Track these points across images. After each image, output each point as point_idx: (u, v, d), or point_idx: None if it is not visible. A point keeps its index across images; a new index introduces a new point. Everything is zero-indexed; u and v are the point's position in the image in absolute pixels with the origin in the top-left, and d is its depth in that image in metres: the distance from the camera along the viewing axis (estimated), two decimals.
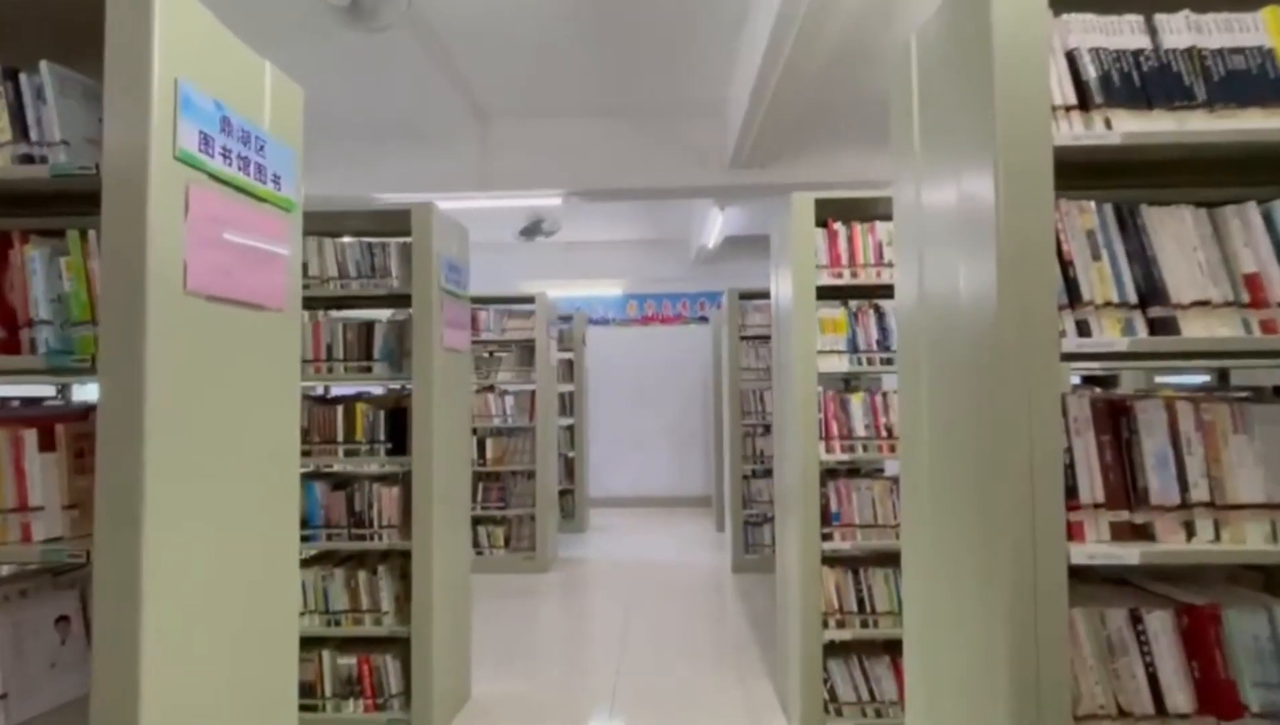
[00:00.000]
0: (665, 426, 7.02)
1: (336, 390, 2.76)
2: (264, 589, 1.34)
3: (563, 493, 5.83)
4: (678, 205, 5.74)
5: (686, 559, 4.89)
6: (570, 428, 5.86)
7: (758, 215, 5.28)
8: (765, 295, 4.63)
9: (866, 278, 2.36)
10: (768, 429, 4.79)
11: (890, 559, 2.37)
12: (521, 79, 3.33)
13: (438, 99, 3.49)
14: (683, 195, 3.89)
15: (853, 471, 2.53)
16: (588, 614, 3.83)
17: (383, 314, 2.68)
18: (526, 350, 4.72)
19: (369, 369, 2.46)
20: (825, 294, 2.36)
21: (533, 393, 4.65)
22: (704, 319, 7.05)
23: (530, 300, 4.68)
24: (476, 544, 4.61)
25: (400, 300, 2.45)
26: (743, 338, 4.55)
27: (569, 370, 5.91)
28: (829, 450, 2.32)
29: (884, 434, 2.33)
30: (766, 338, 4.67)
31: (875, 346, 2.36)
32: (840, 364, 2.35)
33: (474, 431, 4.77)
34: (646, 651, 3.22)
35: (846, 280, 2.36)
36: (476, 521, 4.66)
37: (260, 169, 1.35)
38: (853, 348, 2.36)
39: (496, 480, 4.77)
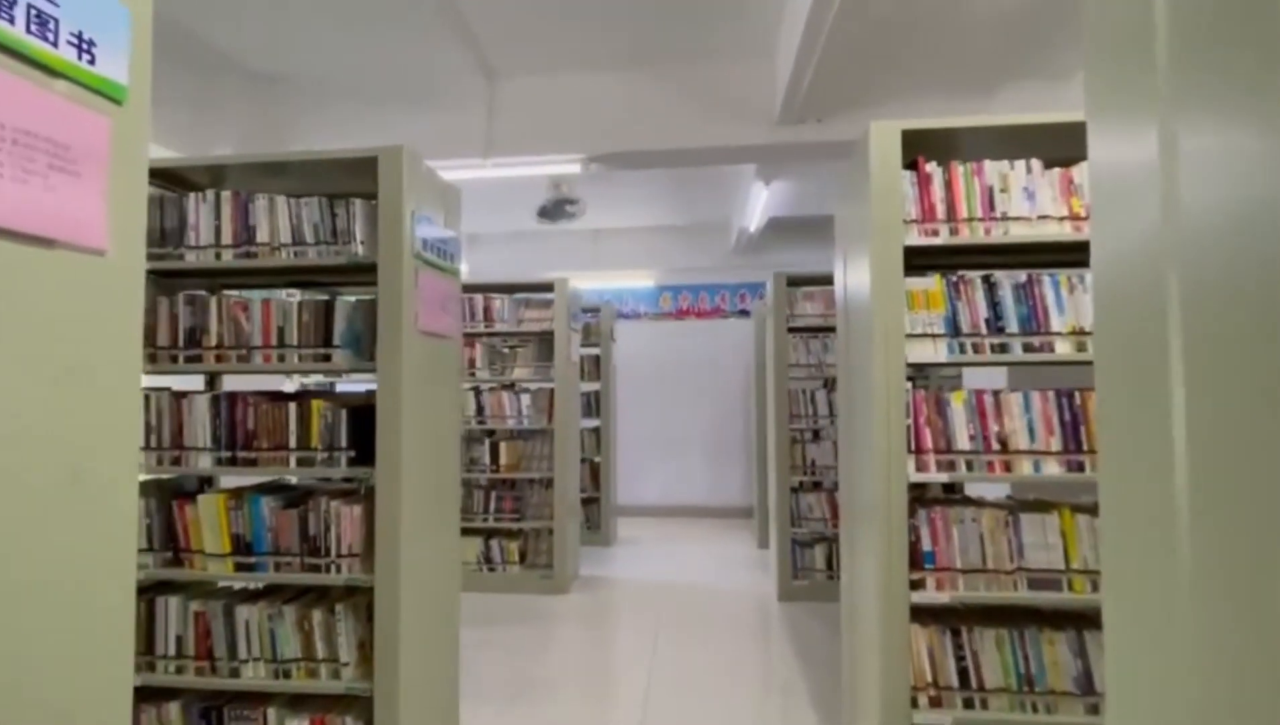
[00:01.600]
0: (701, 430, 6.44)
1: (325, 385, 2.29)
2: None
3: (587, 501, 5.31)
4: (715, 185, 5.16)
5: (725, 582, 4.30)
6: (596, 430, 5.34)
7: (808, 191, 4.66)
8: (817, 280, 4.03)
9: (970, 235, 1.75)
10: (817, 435, 4.18)
11: (1005, 617, 1.76)
12: (532, 26, 2.82)
13: (440, 53, 3.02)
14: (721, 159, 3.32)
15: (950, 496, 1.92)
16: (609, 647, 3.30)
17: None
18: (545, 344, 4.22)
19: (328, 357, 1.97)
20: (915, 261, 1.77)
21: (552, 392, 4.15)
22: (744, 312, 6.44)
23: (549, 288, 4.18)
24: (488, 559, 4.12)
25: (369, 272, 1.96)
26: (791, 330, 3.96)
27: (595, 367, 5.39)
28: (920, 467, 1.73)
29: (995, 447, 1.72)
30: (819, 330, 4.06)
31: (985, 328, 1.75)
32: (934, 351, 1.75)
33: (490, 434, 4.30)
34: (676, 697, 2.66)
35: (944, 239, 1.76)
36: (489, 534, 4.18)
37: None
38: (952, 330, 1.76)
39: (511, 488, 4.28)
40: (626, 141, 3.09)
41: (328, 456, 1.95)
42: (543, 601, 3.91)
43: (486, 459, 4.14)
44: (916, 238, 1.76)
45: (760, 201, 4.57)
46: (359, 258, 1.93)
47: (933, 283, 1.76)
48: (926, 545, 1.72)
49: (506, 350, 4.35)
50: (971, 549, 1.71)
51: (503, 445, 4.15)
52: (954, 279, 1.77)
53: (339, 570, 1.91)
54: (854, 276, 2.01)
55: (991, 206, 1.76)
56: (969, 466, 1.72)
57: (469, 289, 4.33)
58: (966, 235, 1.75)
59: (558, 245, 6.57)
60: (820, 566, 3.91)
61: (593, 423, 5.37)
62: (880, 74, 2.74)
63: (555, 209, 4.79)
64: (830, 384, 4.19)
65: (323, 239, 1.98)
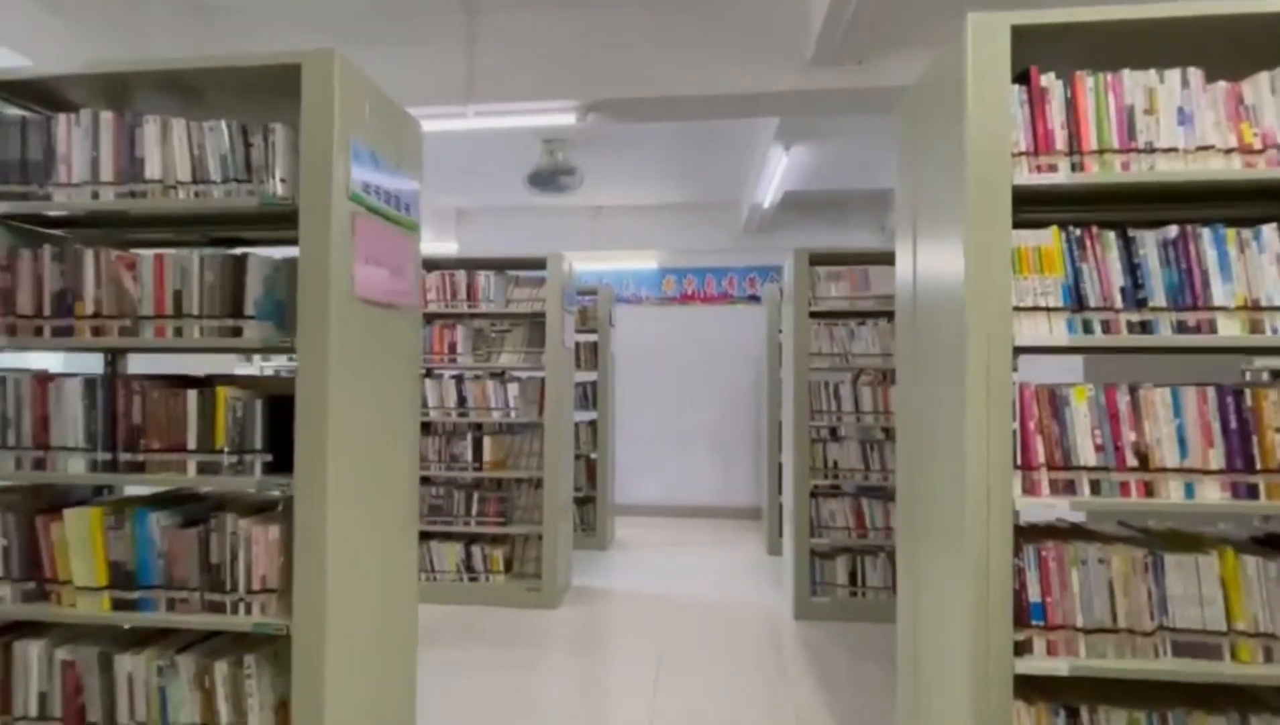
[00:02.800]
0: (707, 424, 5.98)
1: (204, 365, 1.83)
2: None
3: (582, 501, 4.86)
4: (727, 152, 4.67)
5: (734, 595, 3.86)
6: (593, 424, 4.89)
7: (831, 160, 4.18)
8: (844, 259, 3.56)
9: (1101, 173, 1.29)
10: (835, 433, 3.72)
11: (1142, 693, 1.31)
12: None
13: None
14: (742, 110, 2.84)
15: (1066, 525, 1.46)
16: (603, 675, 2.86)
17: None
18: (537, 327, 3.75)
19: (239, 332, 1.50)
20: (1024, 210, 1.31)
21: (543, 381, 3.69)
22: (755, 298, 5.97)
23: (541, 264, 3.71)
24: (469, 568, 3.68)
25: (294, 222, 1.49)
26: (813, 315, 3.49)
27: (592, 355, 4.93)
28: (1029, 489, 1.27)
29: (1131, 462, 1.26)
30: (845, 315, 3.59)
31: (1120, 301, 1.29)
32: (1048, 331, 1.29)
33: (477, 427, 3.84)
34: None
35: (1065, 178, 1.29)
36: (470, 540, 3.73)
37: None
38: (1074, 302, 1.29)
39: (496, 488, 3.82)
40: (629, 86, 2.61)
41: (238, 461, 1.49)
42: (529, 618, 3.47)
43: (469, 455, 3.69)
44: (1027, 175, 1.29)
45: (778, 170, 4.09)
46: (276, 201, 1.46)
47: (1048, 238, 1.30)
48: (1034, 594, 1.27)
49: (494, 334, 3.88)
50: (1096, 601, 1.26)
51: (487, 440, 3.69)
52: (1077, 234, 1.30)
53: (249, 610, 1.46)
54: (932, 240, 1.54)
55: (1131, 134, 1.29)
56: (1095, 488, 1.27)
57: (451, 265, 3.86)
58: (1095, 173, 1.29)
59: (554, 222, 6.09)
60: (842, 581, 3.46)
61: (589, 416, 4.91)
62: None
63: (549, 177, 4.30)
64: (858, 376, 3.73)
65: (233, 176, 1.50)
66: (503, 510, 3.69)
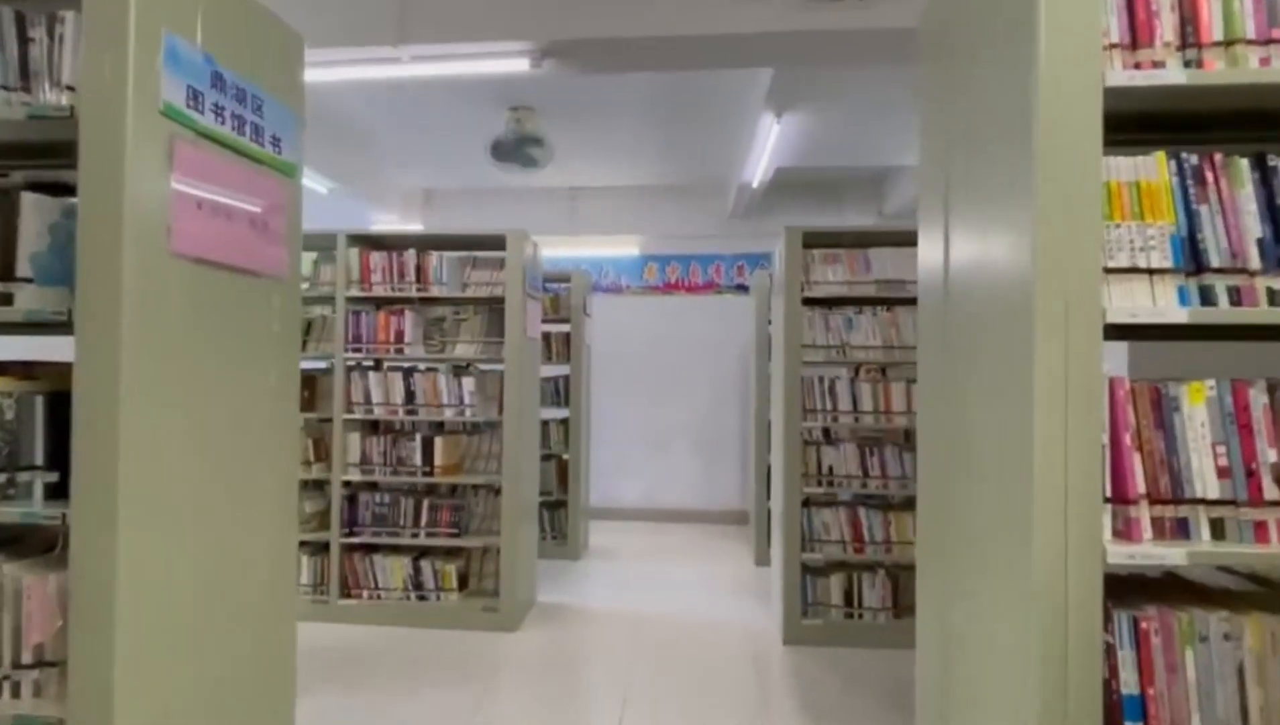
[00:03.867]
0: (690, 423, 5.59)
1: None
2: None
3: (553, 505, 4.46)
4: (713, 124, 4.26)
5: (717, 614, 3.47)
6: (565, 422, 4.48)
7: (827, 131, 3.78)
8: (843, 240, 3.17)
9: (1227, 71, 0.89)
10: (829, 435, 3.34)
11: None
12: None
13: None
14: (726, 56, 2.43)
15: (1160, 579, 1.07)
16: (558, 712, 2.46)
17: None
18: (497, 314, 3.33)
19: (8, 299, 1.08)
20: (1117, 129, 0.90)
21: (502, 375, 3.27)
22: (743, 288, 5.57)
23: (500, 243, 3.28)
24: (418, 585, 3.26)
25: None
26: (806, 302, 3.09)
27: (565, 347, 4.51)
28: (1124, 533, 0.88)
29: (1276, 495, 0.87)
30: (843, 302, 3.19)
31: (1257, 258, 0.89)
32: (1152, 300, 0.90)
33: (439, 426, 3.42)
34: None
35: (1173, 78, 0.89)
36: (419, 553, 3.31)
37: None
38: (1189, 261, 0.90)
39: (450, 496, 3.41)
40: (593, 24, 2.19)
41: (6, 481, 1.06)
42: (484, 643, 3.06)
43: (418, 458, 3.27)
44: (1121, 74, 0.89)
45: (769, 142, 3.69)
46: (49, 111, 1.03)
47: (1152, 167, 0.90)
48: (1129, 684, 0.88)
49: (448, 322, 3.46)
50: (1222, 695, 0.87)
51: (439, 441, 3.27)
52: (1193, 161, 0.90)
53: (17, 693, 1.04)
54: (974, 202, 1.15)
55: (1272, 18, 0.89)
56: (1218, 531, 0.87)
57: (397, 243, 3.43)
58: (1220, 70, 0.89)
59: (527, 205, 5.66)
60: (836, 601, 3.08)
61: (560, 413, 4.50)
62: None
63: (514, 148, 3.88)
64: (858, 371, 3.34)
65: (3, 82, 1.08)
66: (457, 520, 3.28)
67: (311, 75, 1.60)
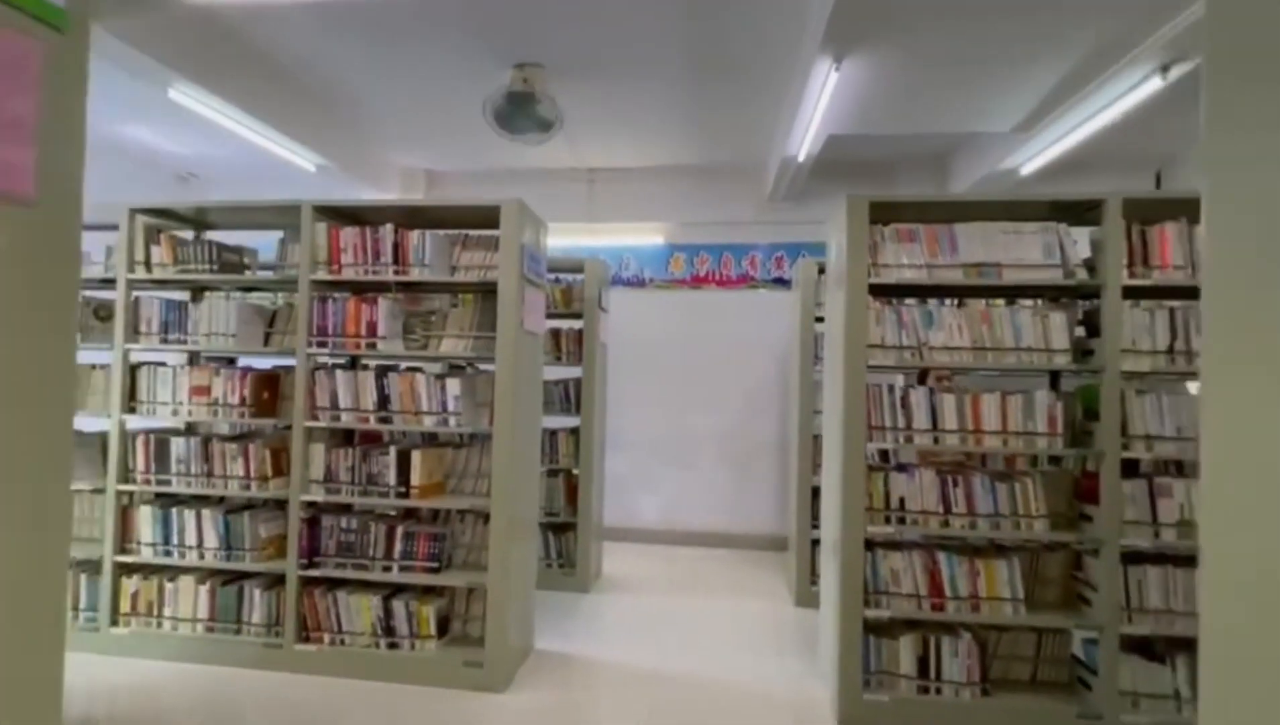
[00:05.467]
0: (719, 433, 4.95)
1: None
2: None
3: (560, 527, 3.87)
4: (750, 100, 3.64)
5: (753, 673, 2.83)
6: (575, 431, 3.88)
7: (893, 88, 3.12)
8: (921, 212, 2.52)
9: None
10: (895, 463, 2.68)
11: None
12: None
13: None
14: None
15: None
16: None
17: None
18: (492, 303, 2.75)
19: None
20: None
21: (493, 377, 2.69)
22: (782, 281, 4.92)
23: (493, 219, 2.69)
24: (389, 630, 2.69)
25: None
26: (874, 290, 2.45)
27: (577, 345, 3.92)
28: None
29: None
30: (922, 291, 2.54)
31: None
32: None
33: (432, 438, 2.86)
34: None
35: None
36: (392, 591, 2.74)
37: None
38: None
39: (430, 522, 2.83)
40: None
41: None
42: (465, 705, 2.47)
43: (391, 476, 2.70)
44: None
45: (823, 99, 3.04)
46: None
47: None
48: None
49: (434, 315, 2.89)
50: None
51: (417, 456, 2.70)
52: None
53: None
54: None
55: None
56: None
57: (374, 217, 2.87)
58: None
59: (539, 189, 5.09)
60: (907, 670, 2.43)
61: (569, 421, 3.91)
62: None
63: (516, 109, 3.30)
64: (924, 378, 2.68)
65: None
66: (437, 551, 2.70)
67: None
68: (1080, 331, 2.51)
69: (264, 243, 3.17)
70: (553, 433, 3.90)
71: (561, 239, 5.01)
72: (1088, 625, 2.35)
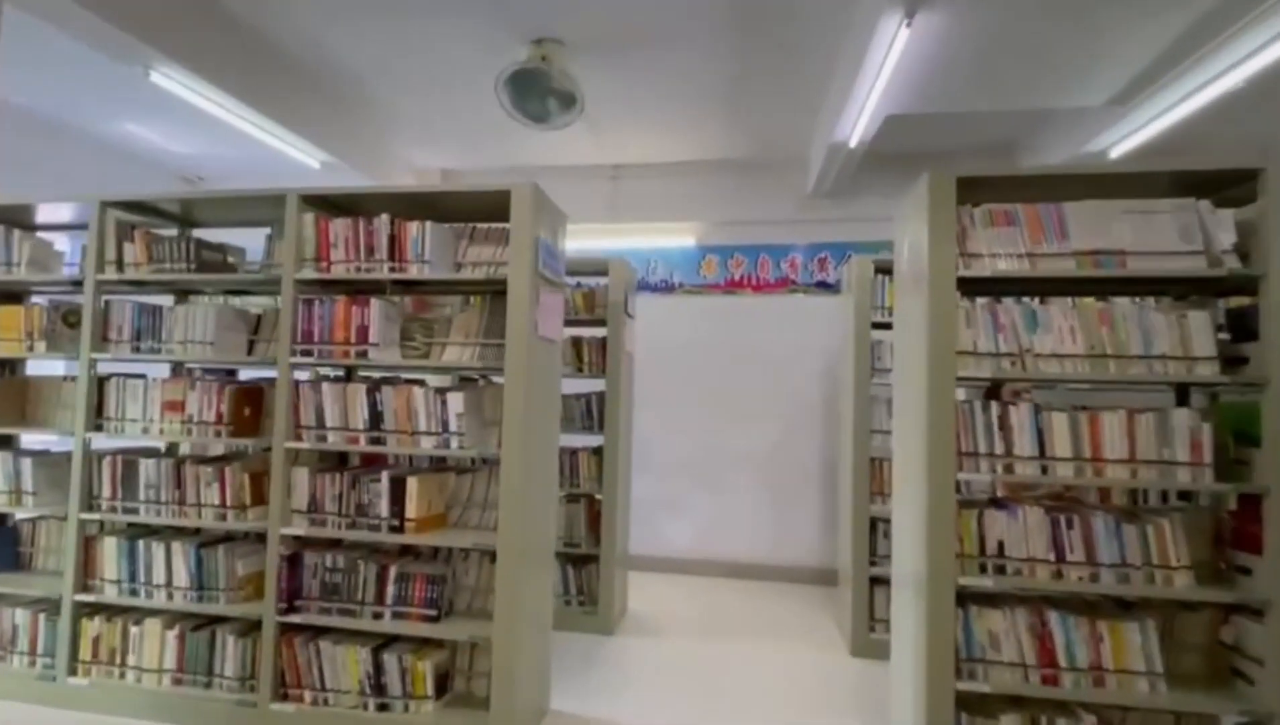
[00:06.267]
0: (757, 452, 4.49)
1: None
2: None
3: (581, 559, 3.45)
4: (793, 80, 3.22)
5: None
6: (598, 452, 3.47)
7: (974, 53, 2.68)
8: (1024, 188, 2.07)
9: None
10: (991, 497, 2.20)
11: None
12: None
13: None
14: None
15: None
16: None
17: None
18: (503, 306, 2.36)
19: None
20: None
21: (503, 391, 2.29)
22: (825, 285, 4.47)
23: (502, 207, 2.31)
24: (379, 688, 2.29)
25: None
26: (964, 286, 1.99)
27: (600, 356, 3.52)
28: None
29: None
30: (1026, 287, 2.07)
31: None
32: None
33: (434, 461, 2.47)
34: None
35: None
36: (383, 642, 2.34)
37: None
38: None
39: (432, 560, 2.44)
40: None
41: None
42: None
43: (383, 507, 2.31)
44: None
45: (887, 64, 2.61)
46: None
47: None
48: None
49: (437, 319, 2.51)
50: None
51: (413, 483, 2.31)
52: None
53: None
54: None
55: None
56: None
57: (368, 206, 2.51)
58: None
59: (560, 185, 4.72)
60: None
61: (592, 440, 3.50)
62: None
63: (532, 88, 2.93)
64: (997, 392, 2.20)
65: None
66: (435, 596, 2.30)
67: None
68: (1223, 335, 2.02)
69: (256, 241, 2.84)
70: (573, 453, 3.49)
71: (584, 241, 4.64)
72: (1250, 711, 1.84)
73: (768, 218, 4.52)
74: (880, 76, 2.70)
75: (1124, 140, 3.22)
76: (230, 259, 2.76)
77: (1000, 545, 1.99)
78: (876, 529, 3.23)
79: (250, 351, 2.63)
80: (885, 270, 3.26)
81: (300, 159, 3.92)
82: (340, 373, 2.72)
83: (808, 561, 4.33)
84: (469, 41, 3.10)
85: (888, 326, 3.27)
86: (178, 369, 2.92)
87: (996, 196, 2.06)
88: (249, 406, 2.53)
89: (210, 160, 4.63)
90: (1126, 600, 2.05)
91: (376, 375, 2.84)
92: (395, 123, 4.13)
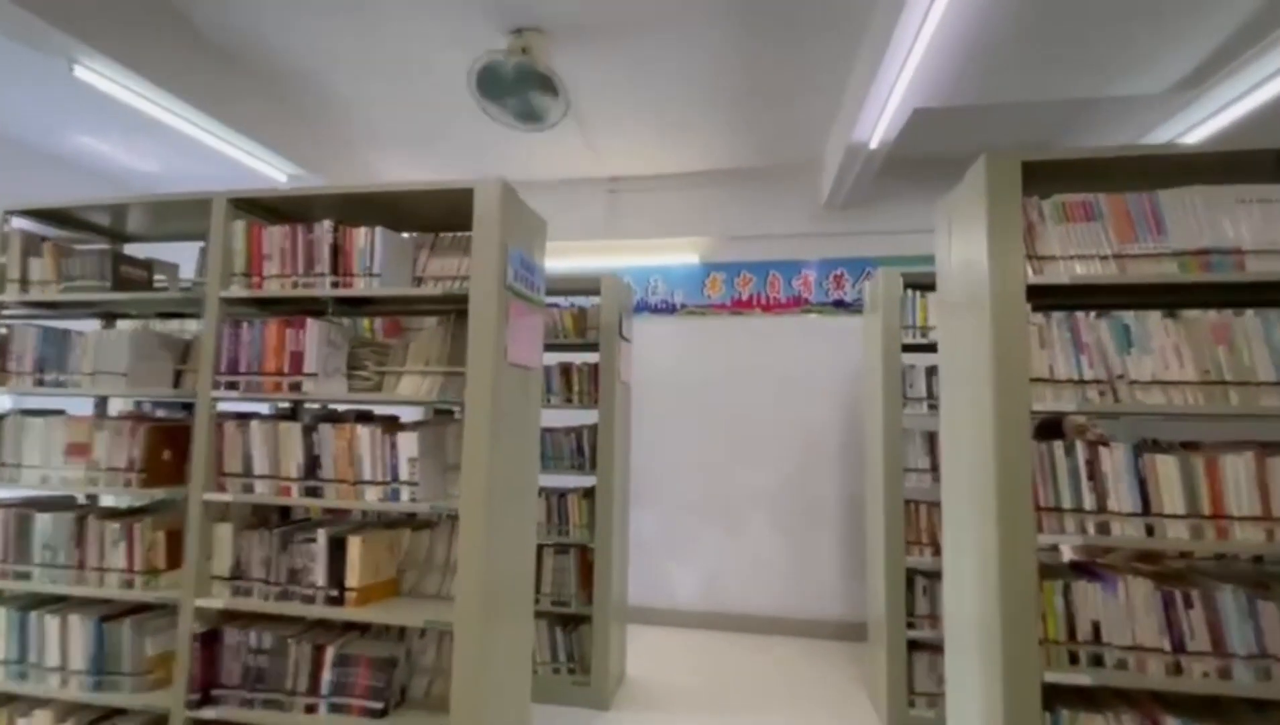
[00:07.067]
0: (770, 491, 4.04)
1: None
2: None
3: (571, 619, 3.00)
4: (811, 50, 2.87)
5: None
6: (590, 493, 3.04)
7: (1018, 30, 2.31)
8: (1104, 175, 1.67)
9: None
10: (1073, 561, 1.75)
11: None
12: None
13: None
14: None
15: None
16: None
17: None
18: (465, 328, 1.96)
19: None
20: None
21: (462, 428, 1.88)
22: (842, 303, 4.07)
23: (465, 205, 1.92)
24: None
25: None
26: (1034, 297, 1.58)
27: (592, 384, 3.11)
28: None
29: None
30: (1107, 294, 1.66)
31: None
32: None
33: (326, 523, 2.06)
34: None
35: None
36: None
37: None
38: None
39: (381, 638, 2.00)
40: None
41: None
42: None
43: (319, 574, 1.89)
44: None
45: (918, 44, 2.24)
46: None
47: None
48: None
49: (392, 343, 2.12)
50: None
51: (355, 545, 1.88)
52: None
53: None
54: None
55: None
56: None
57: (306, 210, 2.13)
58: None
59: (552, 200, 4.38)
60: None
61: (584, 481, 3.08)
62: None
63: (508, 81, 2.58)
64: (1079, 435, 1.78)
65: None
66: (383, 684, 1.86)
67: None
68: None
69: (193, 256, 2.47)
70: (561, 495, 3.06)
71: (580, 260, 4.28)
72: None
73: (778, 231, 4.14)
74: (910, 59, 2.33)
75: (1192, 130, 2.82)
76: (160, 277, 2.38)
77: (1095, 628, 1.54)
78: (914, 584, 2.78)
79: (178, 383, 2.24)
80: (917, 285, 2.86)
81: (266, 171, 3.59)
82: (287, 408, 2.33)
83: (829, 613, 3.85)
84: (443, 37, 2.76)
85: (920, 349, 2.88)
86: (102, 405, 2.54)
87: (1069, 185, 1.66)
88: (169, 449, 2.12)
89: (176, 178, 4.32)
90: (1265, 701, 1.59)
91: (346, 410, 2.44)
92: (369, 132, 3.81)
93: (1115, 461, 1.55)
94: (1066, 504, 1.55)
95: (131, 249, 2.54)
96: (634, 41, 2.79)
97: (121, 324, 2.57)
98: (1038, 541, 1.53)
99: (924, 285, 2.87)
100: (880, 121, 2.82)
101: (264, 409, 2.36)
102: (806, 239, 4.12)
